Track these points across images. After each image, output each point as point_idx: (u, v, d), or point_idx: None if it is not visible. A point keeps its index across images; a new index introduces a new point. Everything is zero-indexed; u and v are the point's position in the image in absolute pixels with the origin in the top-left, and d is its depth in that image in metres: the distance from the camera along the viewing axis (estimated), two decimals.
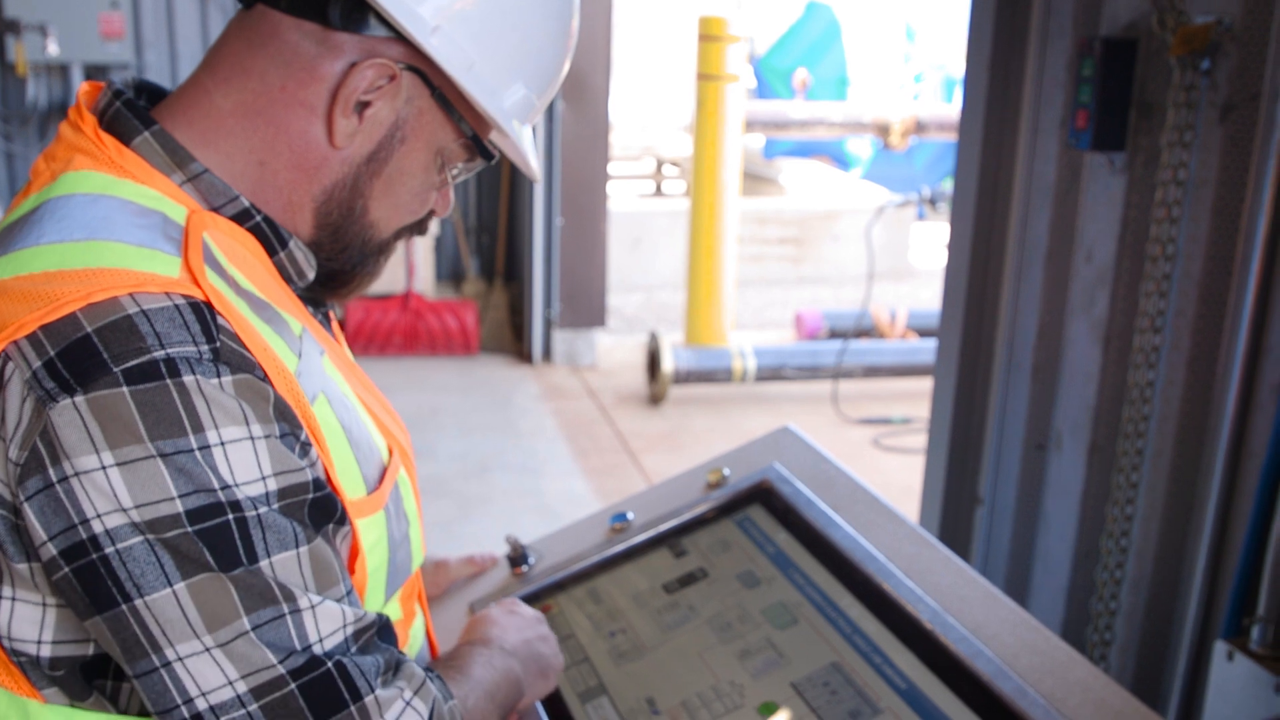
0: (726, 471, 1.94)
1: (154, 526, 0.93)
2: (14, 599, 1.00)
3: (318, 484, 1.02)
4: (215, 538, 0.94)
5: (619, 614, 1.76)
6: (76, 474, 0.92)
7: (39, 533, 0.94)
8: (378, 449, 1.19)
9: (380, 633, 1.07)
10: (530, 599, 1.84)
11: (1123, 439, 2.07)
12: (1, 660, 1.03)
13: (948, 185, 11.15)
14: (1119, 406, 2.14)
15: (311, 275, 1.19)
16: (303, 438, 1.02)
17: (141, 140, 1.10)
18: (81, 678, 1.04)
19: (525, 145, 1.23)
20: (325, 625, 1.00)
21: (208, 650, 0.95)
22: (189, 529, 0.93)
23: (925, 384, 7.15)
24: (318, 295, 1.25)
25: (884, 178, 12.10)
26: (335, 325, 1.33)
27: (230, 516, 0.95)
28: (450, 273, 8.35)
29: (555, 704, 1.60)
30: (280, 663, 0.96)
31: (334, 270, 1.21)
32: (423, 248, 7.61)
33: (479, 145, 1.19)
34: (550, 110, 6.89)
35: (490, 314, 7.73)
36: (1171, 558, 2.05)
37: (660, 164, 13.18)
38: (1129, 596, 2.12)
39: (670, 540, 1.87)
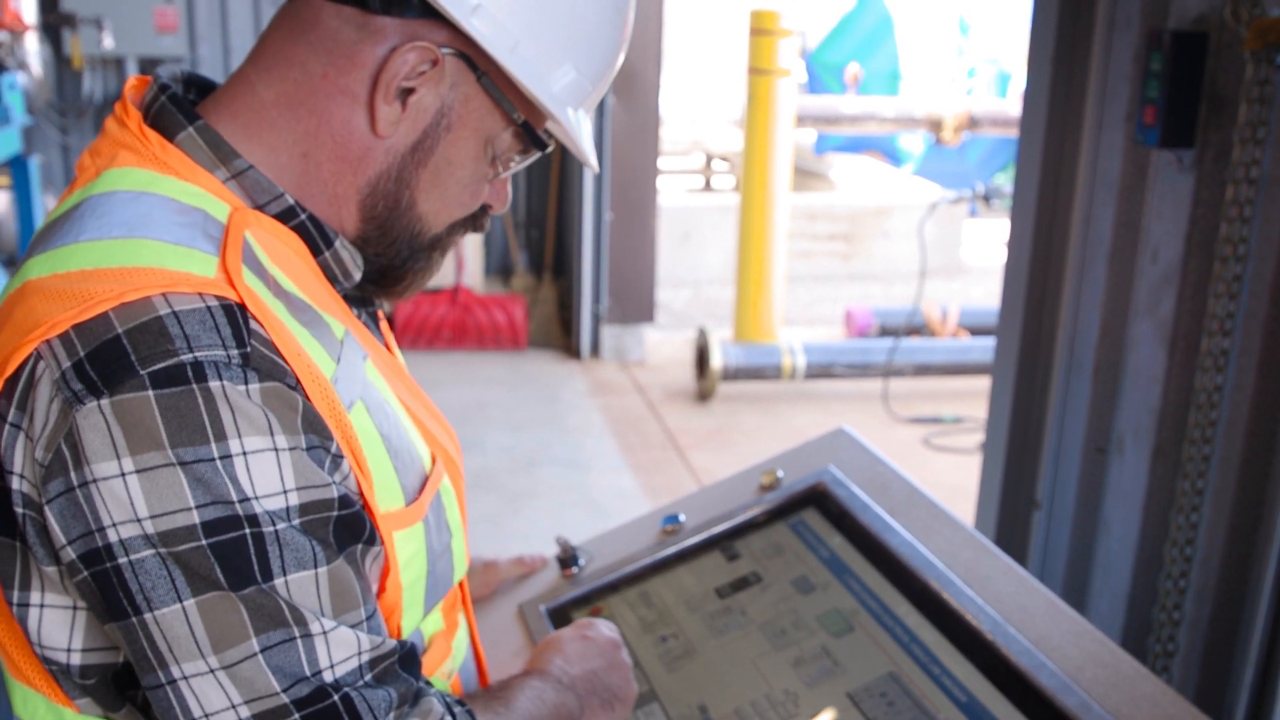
0: (780, 473, 1.91)
1: (167, 539, 0.90)
2: (43, 605, 0.99)
3: (344, 501, 0.98)
4: (229, 552, 0.91)
5: (670, 618, 1.73)
6: (96, 480, 0.90)
7: (59, 536, 0.92)
8: (419, 457, 1.15)
9: (402, 661, 1.03)
10: (580, 601, 1.81)
11: (1189, 444, 2.01)
12: (39, 669, 1.02)
13: (1001, 181, 11.04)
14: (1185, 410, 2.08)
15: (358, 275, 1.15)
16: (333, 450, 0.99)
17: (185, 136, 1.07)
18: (113, 688, 1.02)
19: (580, 132, 1.18)
20: (338, 652, 0.96)
21: (212, 671, 0.92)
22: (203, 542, 0.90)
23: (977, 383, 7.10)
24: (370, 294, 1.22)
25: (936, 173, 11.99)
26: (384, 325, 1.30)
27: (247, 531, 0.92)
28: (499, 267, 8.35)
29: None
30: (285, 690, 0.93)
31: (384, 267, 1.17)
32: (472, 242, 7.62)
33: (530, 133, 1.15)
34: (601, 104, 6.87)
35: (538, 309, 7.72)
36: (1238, 567, 2.00)
37: (709, 158, 13.13)
38: (1193, 606, 2.07)
39: (723, 543, 1.84)
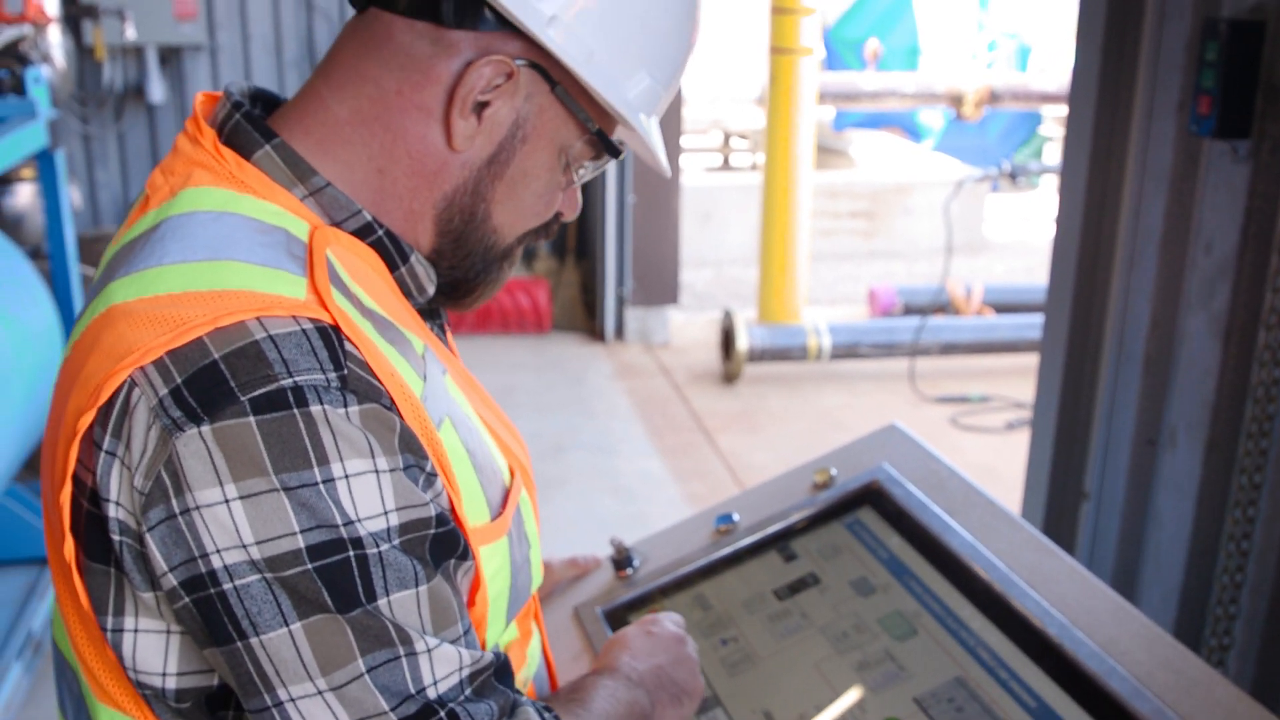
0: (834, 471, 1.89)
1: (274, 564, 0.90)
2: (137, 630, 0.99)
3: (440, 519, 0.99)
4: (335, 575, 0.92)
5: (729, 621, 1.72)
6: (198, 507, 0.90)
7: (160, 563, 0.92)
8: (500, 471, 1.16)
9: (498, 673, 1.04)
10: (637, 603, 1.81)
11: (1245, 438, 2.00)
12: (130, 693, 1.02)
13: (1025, 159, 10.99)
14: (1240, 404, 2.07)
15: (432, 290, 1.15)
16: (428, 468, 0.99)
17: (263, 154, 1.07)
18: (206, 710, 1.02)
19: (654, 139, 1.18)
20: (440, 669, 0.97)
21: (320, 694, 0.93)
22: (309, 565, 0.91)
23: (1003, 361, 7.08)
24: (438, 305, 1.22)
25: (956, 149, 11.92)
26: (450, 337, 1.29)
27: (351, 554, 0.92)
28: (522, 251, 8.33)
29: None
30: (393, 709, 0.94)
31: (457, 280, 1.17)
32: None
33: (604, 141, 1.14)
34: None
35: (562, 292, 7.71)
36: None
37: (728, 137, 13.08)
38: (1249, 600, 2.05)
39: (779, 543, 1.83)
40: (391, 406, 0.96)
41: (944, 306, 7.66)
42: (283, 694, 0.93)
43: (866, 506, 1.83)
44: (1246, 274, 2.06)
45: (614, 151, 1.16)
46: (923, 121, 12.66)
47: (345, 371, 0.94)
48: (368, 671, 0.93)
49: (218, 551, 0.90)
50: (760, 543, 1.84)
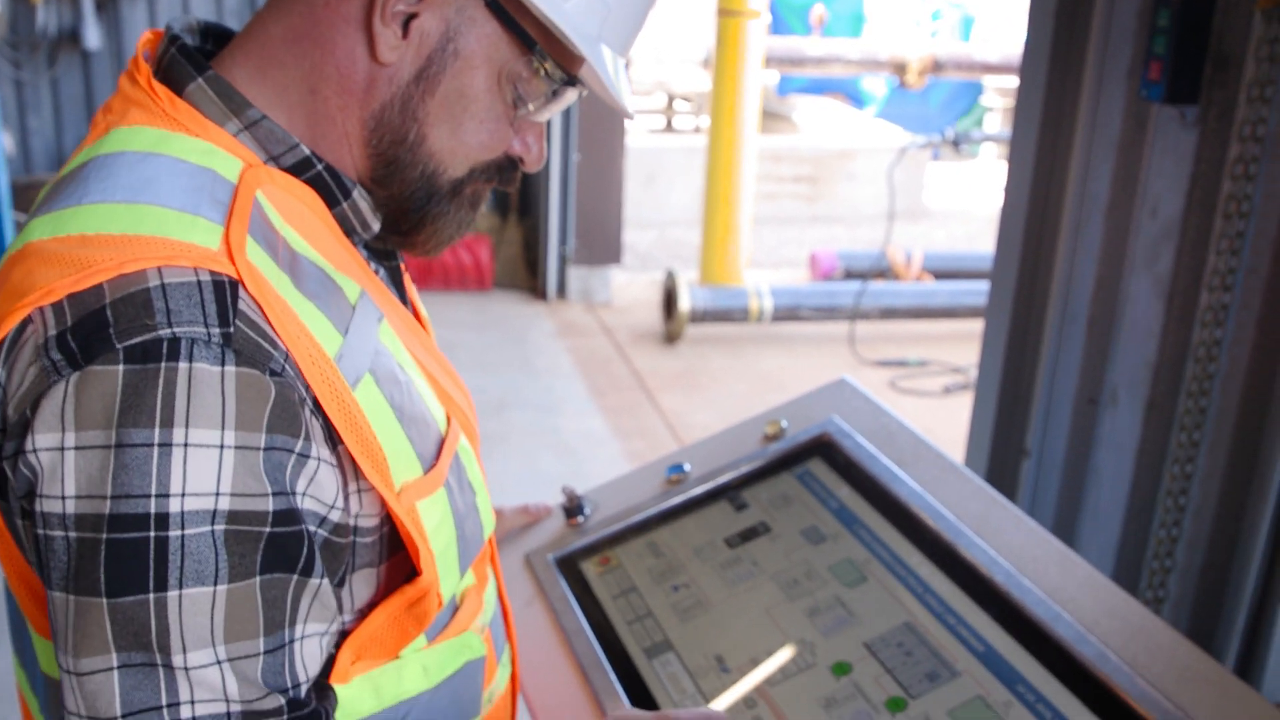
0: (784, 423, 1.91)
1: (79, 523, 0.86)
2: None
3: (283, 517, 0.91)
4: (123, 554, 0.85)
5: (680, 568, 1.74)
6: (35, 450, 0.87)
7: (12, 492, 0.91)
8: (434, 422, 1.11)
9: None
10: (588, 550, 1.82)
11: (1185, 397, 2.05)
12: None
13: (968, 127, 11.06)
14: (1180, 364, 2.11)
15: (376, 226, 1.11)
16: (299, 449, 0.93)
17: (195, 88, 1.03)
18: None
19: (607, 70, 1.08)
20: (200, 693, 0.87)
21: (68, 674, 0.88)
22: (103, 536, 0.85)
23: (941, 326, 7.17)
24: (394, 247, 1.18)
25: (899, 116, 12.00)
26: (407, 280, 1.25)
27: (152, 534, 0.85)
28: None
29: (622, 661, 1.59)
30: (124, 716, 0.86)
31: (400, 213, 1.11)
32: None
33: (548, 66, 1.06)
34: None
35: (504, 249, 7.68)
36: (1231, 517, 2.04)
37: (671, 99, 13.04)
38: (1185, 554, 2.11)
39: (729, 493, 1.84)
40: (281, 373, 0.91)
41: (884, 272, 7.73)
42: (61, 659, 0.89)
43: (817, 458, 1.85)
44: (1190, 237, 2.10)
45: (563, 79, 1.08)
46: (866, 88, 12.71)
47: (232, 329, 0.89)
48: (117, 668, 0.86)
49: (42, 496, 0.87)
50: (711, 492, 1.85)
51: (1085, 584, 1.49)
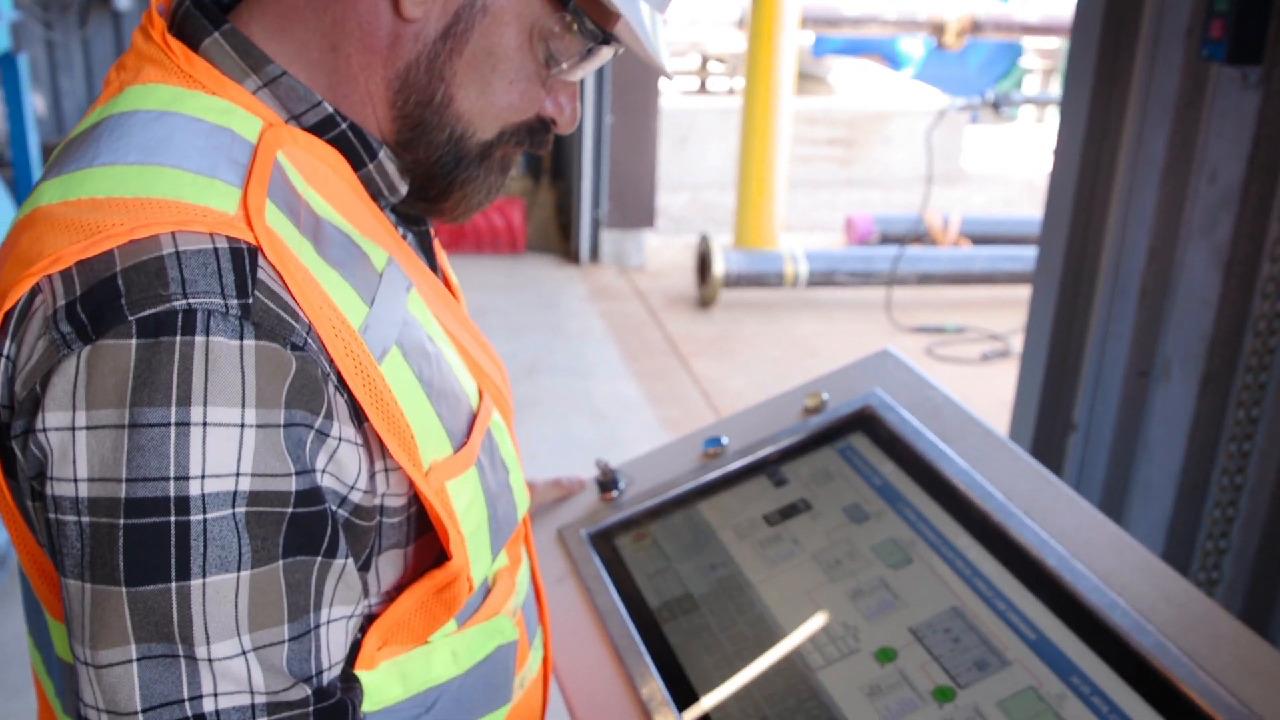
0: (825, 396, 1.85)
1: (93, 507, 0.81)
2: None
3: (306, 497, 0.87)
4: (143, 541, 0.81)
5: (718, 545, 1.69)
6: (46, 429, 0.82)
7: (22, 472, 0.86)
8: (466, 396, 1.05)
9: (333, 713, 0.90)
10: (623, 526, 1.77)
11: (1244, 371, 1.97)
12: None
13: (1008, 89, 10.91)
14: (1238, 337, 2.03)
15: (403, 189, 1.06)
16: (319, 426, 0.88)
17: (211, 42, 0.97)
18: None
19: (645, 27, 1.02)
20: (224, 685, 0.84)
21: (86, 665, 0.83)
22: (120, 521, 0.81)
23: (979, 293, 7.07)
24: (422, 213, 1.12)
25: (936, 78, 11.84)
26: (437, 246, 1.20)
27: (173, 520, 0.81)
28: None
29: (656, 642, 1.54)
30: (144, 711, 0.82)
31: (428, 177, 1.06)
32: None
33: (581, 21, 1.00)
34: None
35: (536, 212, 7.62)
36: None
37: (705, 60, 12.92)
38: (1240, 535, 2.04)
39: (768, 468, 1.79)
40: (303, 346, 0.86)
41: (921, 236, 7.63)
42: (75, 648, 0.85)
43: (859, 432, 1.79)
44: (1251, 204, 2.02)
45: (597, 37, 1.02)
46: (903, 50, 12.55)
47: (251, 300, 0.84)
48: (137, 660, 0.82)
49: (53, 479, 0.82)
50: (750, 467, 1.80)
51: (1141, 569, 1.43)
